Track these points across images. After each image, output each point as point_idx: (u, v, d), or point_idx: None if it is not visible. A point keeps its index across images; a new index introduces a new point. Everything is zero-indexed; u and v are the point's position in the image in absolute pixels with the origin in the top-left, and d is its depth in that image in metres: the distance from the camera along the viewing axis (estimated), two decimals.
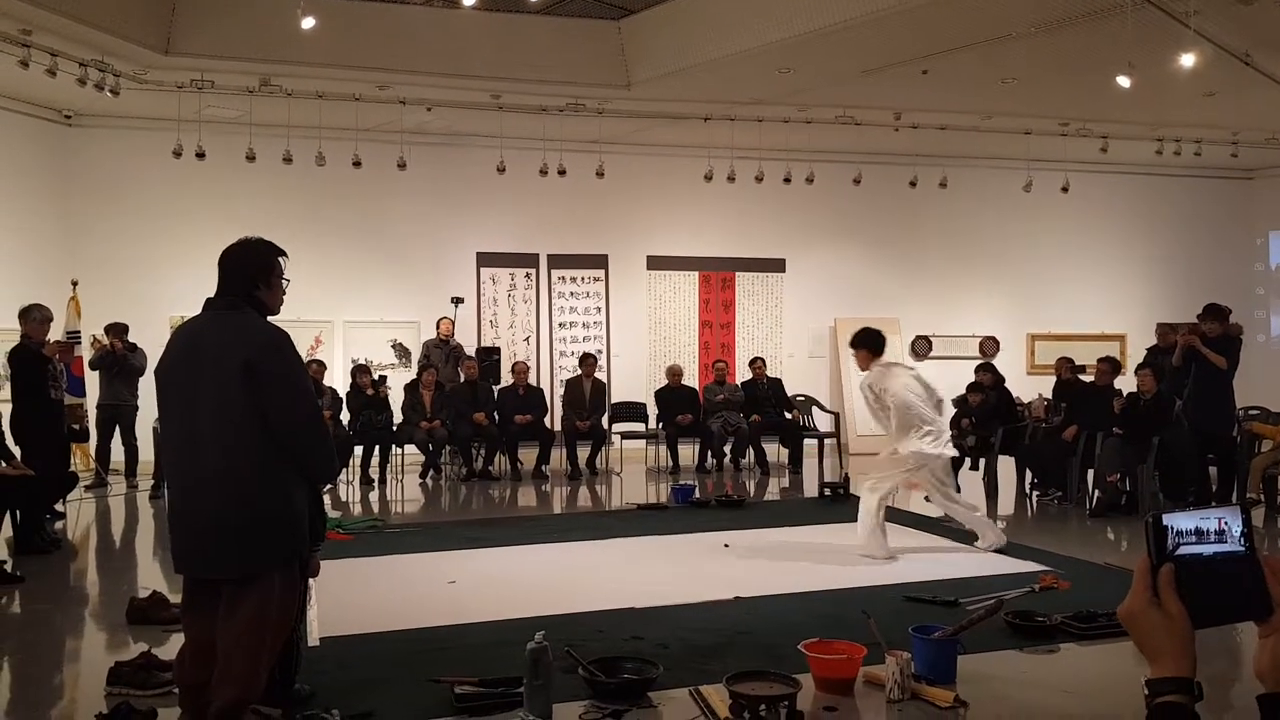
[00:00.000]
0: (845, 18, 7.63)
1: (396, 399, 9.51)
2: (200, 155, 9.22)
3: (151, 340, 9.19)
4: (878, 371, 5.81)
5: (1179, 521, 1.07)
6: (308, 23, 7.60)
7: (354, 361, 10.19)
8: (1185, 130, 10.99)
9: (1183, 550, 1.06)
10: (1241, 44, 8.23)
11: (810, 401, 10.92)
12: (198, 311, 3.12)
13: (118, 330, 8.53)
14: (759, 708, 3.14)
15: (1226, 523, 1.07)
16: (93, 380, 8.75)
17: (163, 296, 9.89)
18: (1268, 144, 11.53)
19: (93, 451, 8.78)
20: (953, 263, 12.48)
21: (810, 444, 10.39)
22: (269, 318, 3.08)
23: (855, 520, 6.00)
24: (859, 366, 5.98)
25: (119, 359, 8.44)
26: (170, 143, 9.20)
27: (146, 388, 8.63)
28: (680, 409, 10.05)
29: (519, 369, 9.91)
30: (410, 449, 9.43)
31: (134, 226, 10.16)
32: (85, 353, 8.93)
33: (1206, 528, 1.07)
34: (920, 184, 11.40)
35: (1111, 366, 8.28)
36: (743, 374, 10.86)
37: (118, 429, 8.61)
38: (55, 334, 8.22)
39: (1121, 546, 6.48)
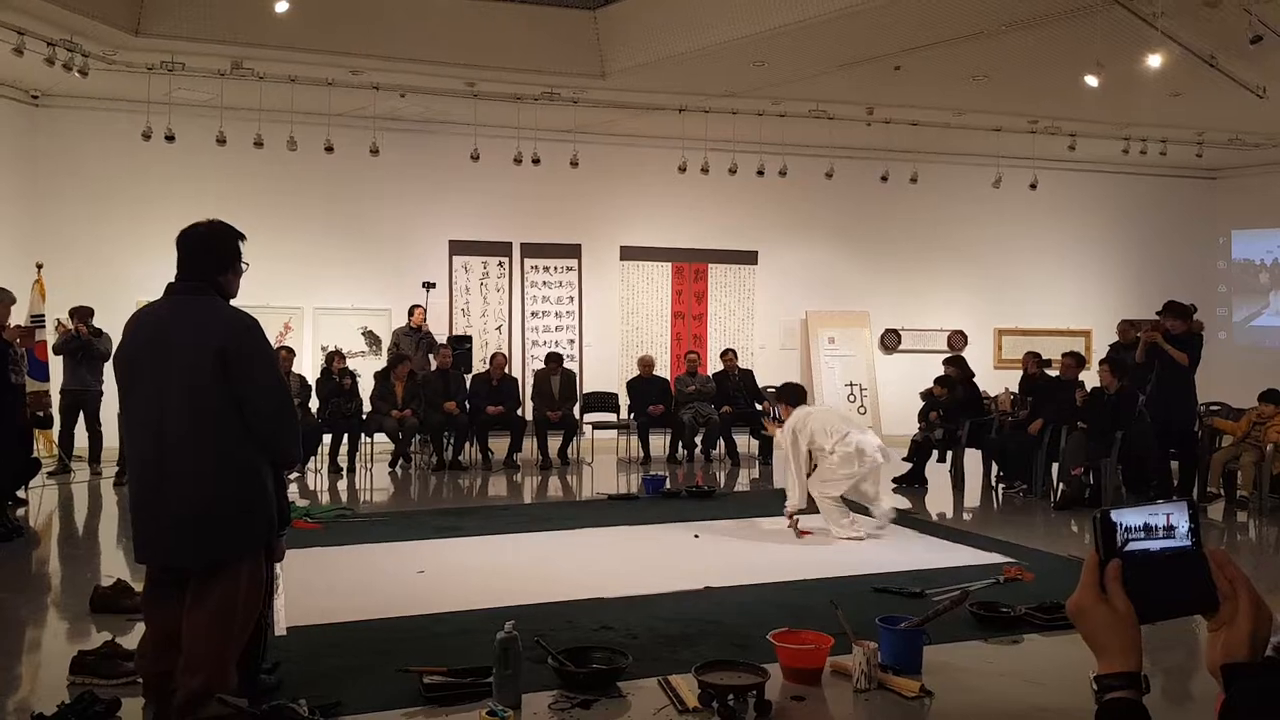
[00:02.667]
0: (819, 12, 7.66)
1: (366, 386, 9.45)
2: (170, 138, 9.09)
3: (118, 325, 9.04)
4: (799, 416, 6.43)
5: (1127, 518, 1.08)
6: (281, 6, 7.51)
7: (324, 349, 10.10)
8: (1151, 130, 11.16)
9: (1131, 546, 1.07)
10: (1207, 46, 8.37)
11: None
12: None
13: (82, 314, 8.40)
14: (727, 697, 3.17)
15: (1174, 518, 1.09)
16: (57, 365, 8.60)
17: (130, 281, 9.71)
18: (1231, 144, 11.75)
19: (56, 437, 8.64)
20: (922, 257, 12.60)
21: None
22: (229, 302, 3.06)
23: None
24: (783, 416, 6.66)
25: (84, 344, 8.31)
26: (139, 125, 9.05)
27: (111, 373, 8.52)
28: (652, 399, 10.07)
29: (498, 360, 9.86)
30: (380, 437, 9.37)
31: (101, 209, 9.98)
32: (50, 337, 8.78)
33: (1155, 523, 1.08)
34: (891, 179, 11.48)
35: (1076, 361, 8.41)
36: (714, 365, 10.91)
37: (82, 415, 8.48)
38: (19, 317, 8.08)
39: (1085, 539, 6.60)
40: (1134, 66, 8.18)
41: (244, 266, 3.14)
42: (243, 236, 3.13)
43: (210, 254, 3.05)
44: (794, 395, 6.71)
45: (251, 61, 8.80)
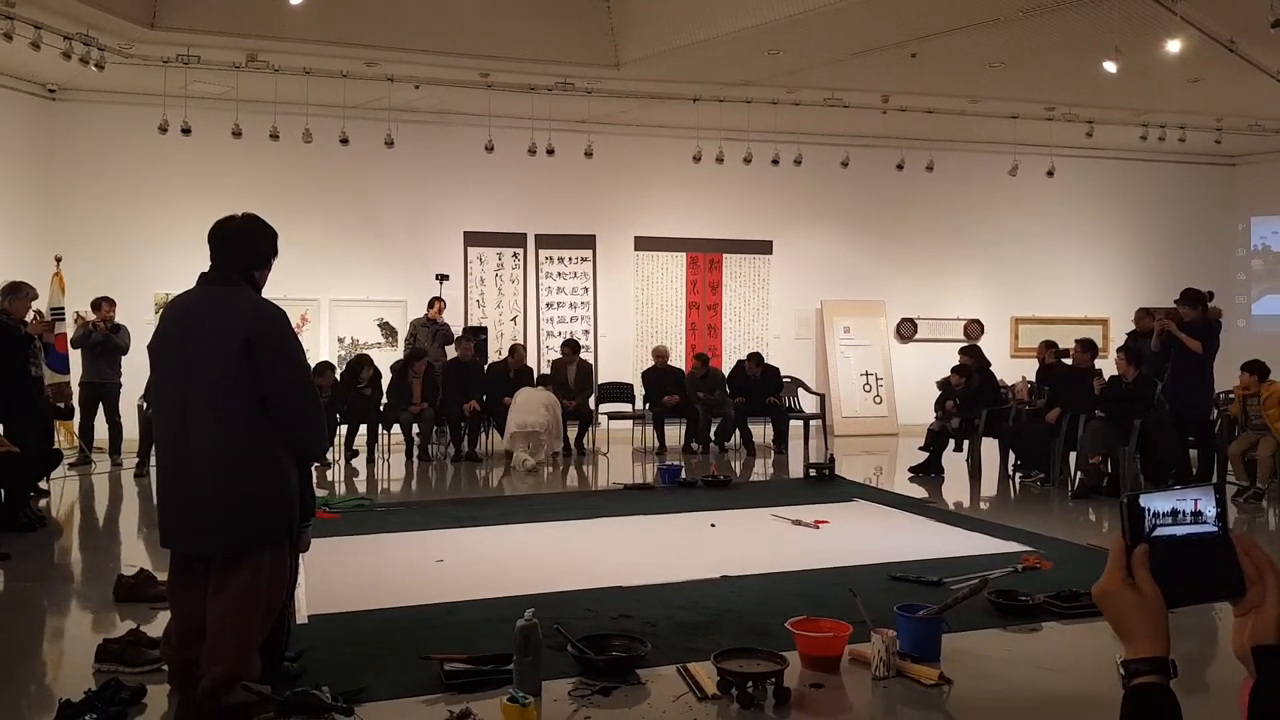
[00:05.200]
0: None
1: (383, 379, 9.48)
2: (186, 131, 9.13)
3: (136, 317, 9.14)
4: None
5: (1155, 503, 1.08)
6: None
7: (340, 340, 10.14)
8: (1170, 116, 11.06)
9: (1158, 531, 1.07)
10: (1226, 30, 8.28)
11: (796, 383, 10.97)
12: (183, 287, 3.11)
13: (109, 303, 8.48)
14: (746, 684, 3.18)
15: (1201, 503, 1.09)
16: (76, 358, 8.69)
17: (148, 273, 9.82)
18: (1251, 130, 11.62)
19: (76, 429, 8.73)
20: (938, 246, 12.53)
21: (795, 425, 10.45)
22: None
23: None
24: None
25: (104, 337, 8.38)
26: (155, 118, 9.10)
27: (130, 366, 8.60)
28: (667, 390, 10.07)
29: (519, 354, 9.88)
30: (397, 429, 9.41)
31: (118, 203, 10.05)
32: (69, 329, 8.87)
33: (1182, 508, 1.08)
34: (907, 167, 11.43)
35: (1087, 348, 8.36)
36: (731, 354, 10.90)
37: (101, 407, 8.57)
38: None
39: (1103, 527, 6.58)
40: (1152, 52, 8.10)
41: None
42: (276, 233, 3.17)
43: (247, 248, 3.08)
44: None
45: (266, 54, 8.83)
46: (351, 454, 9.09)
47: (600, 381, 10.75)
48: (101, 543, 6.26)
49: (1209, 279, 10.48)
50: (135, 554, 5.57)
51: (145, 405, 8.23)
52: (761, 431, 10.28)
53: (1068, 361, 8.73)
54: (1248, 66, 8.97)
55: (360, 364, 9.32)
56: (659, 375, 10.26)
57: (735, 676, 3.21)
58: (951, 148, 11.92)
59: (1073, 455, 7.90)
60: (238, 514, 2.93)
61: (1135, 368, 7.67)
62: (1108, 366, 8.79)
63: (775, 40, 8.52)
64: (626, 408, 10.54)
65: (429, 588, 4.67)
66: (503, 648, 3.43)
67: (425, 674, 3.42)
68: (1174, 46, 7.87)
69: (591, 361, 10.76)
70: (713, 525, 6.30)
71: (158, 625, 3.84)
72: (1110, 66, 8.22)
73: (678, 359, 11.11)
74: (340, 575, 4.90)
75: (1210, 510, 1.09)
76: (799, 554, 5.43)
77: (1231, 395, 8.74)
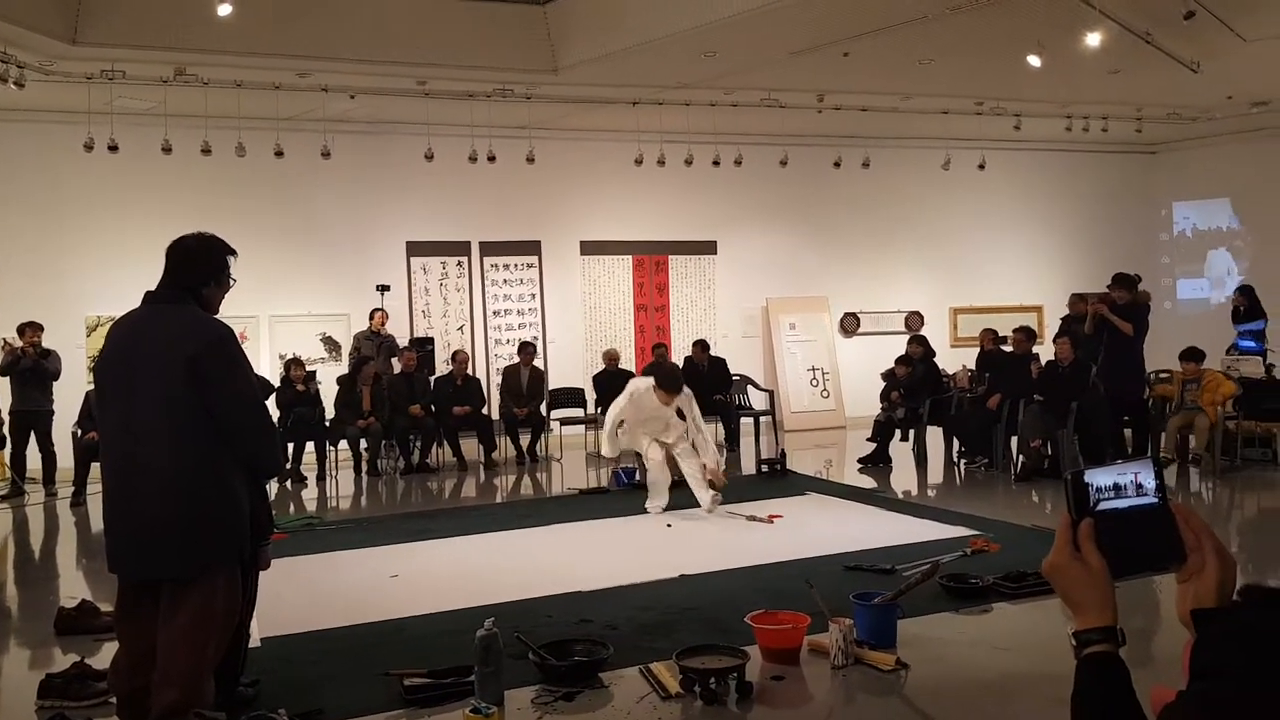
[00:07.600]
0: (766, 1, 7.70)
1: (327, 392, 9.32)
2: (113, 148, 8.86)
3: (66, 341, 8.85)
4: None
5: (1098, 478, 1.12)
6: (224, 9, 7.37)
7: (281, 357, 9.94)
8: (1092, 107, 11.40)
9: (1102, 505, 1.11)
10: (1142, 23, 8.57)
11: (745, 380, 11.06)
12: (114, 309, 3.05)
13: (35, 328, 8.20)
14: (709, 681, 3.20)
15: (1141, 476, 1.13)
16: (4, 385, 8.38)
17: (76, 296, 9.52)
18: (1169, 119, 12.05)
19: (7, 459, 8.43)
20: (877, 241, 12.75)
21: (746, 422, 10.52)
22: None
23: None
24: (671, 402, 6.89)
25: (33, 363, 8.10)
26: (81, 136, 8.81)
27: (62, 392, 8.33)
28: (618, 392, 10.04)
29: (460, 359, 9.80)
30: (344, 444, 9.25)
31: (44, 224, 9.71)
32: None
33: (1124, 482, 1.12)
34: (844, 164, 11.61)
35: (1027, 336, 8.60)
36: (680, 358, 10.93)
37: (33, 435, 8.28)
38: None
39: (1046, 509, 6.75)
40: (1074, 45, 8.35)
41: (232, 282, 3.12)
42: (233, 251, 3.12)
43: (194, 266, 3.03)
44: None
45: (195, 67, 8.61)
46: (299, 478, 8.86)
47: (551, 387, 10.71)
48: (39, 576, 6.05)
49: (1135, 263, 10.81)
50: (75, 585, 5.40)
51: (80, 432, 7.98)
52: (713, 430, 10.32)
53: (1007, 349, 8.96)
54: (1164, 57, 9.30)
55: (290, 365, 9.16)
56: (610, 378, 10.25)
57: (698, 673, 3.23)
58: (886, 144, 12.14)
59: (1014, 440, 8.10)
60: (189, 536, 2.86)
61: (1075, 350, 7.92)
62: (1045, 352, 9.03)
63: (710, 43, 8.59)
64: (579, 413, 10.52)
65: (385, 604, 4.60)
66: (463, 660, 3.40)
67: (385, 690, 3.38)
68: (1094, 40, 8.14)
69: (542, 367, 10.71)
70: (669, 525, 6.32)
71: (103, 657, 3.73)
72: (1034, 61, 8.46)
73: (628, 362, 11.12)
74: (293, 596, 4.80)
75: (1150, 482, 1.13)
76: (755, 549, 5.48)
77: (1164, 375, 9.06)
